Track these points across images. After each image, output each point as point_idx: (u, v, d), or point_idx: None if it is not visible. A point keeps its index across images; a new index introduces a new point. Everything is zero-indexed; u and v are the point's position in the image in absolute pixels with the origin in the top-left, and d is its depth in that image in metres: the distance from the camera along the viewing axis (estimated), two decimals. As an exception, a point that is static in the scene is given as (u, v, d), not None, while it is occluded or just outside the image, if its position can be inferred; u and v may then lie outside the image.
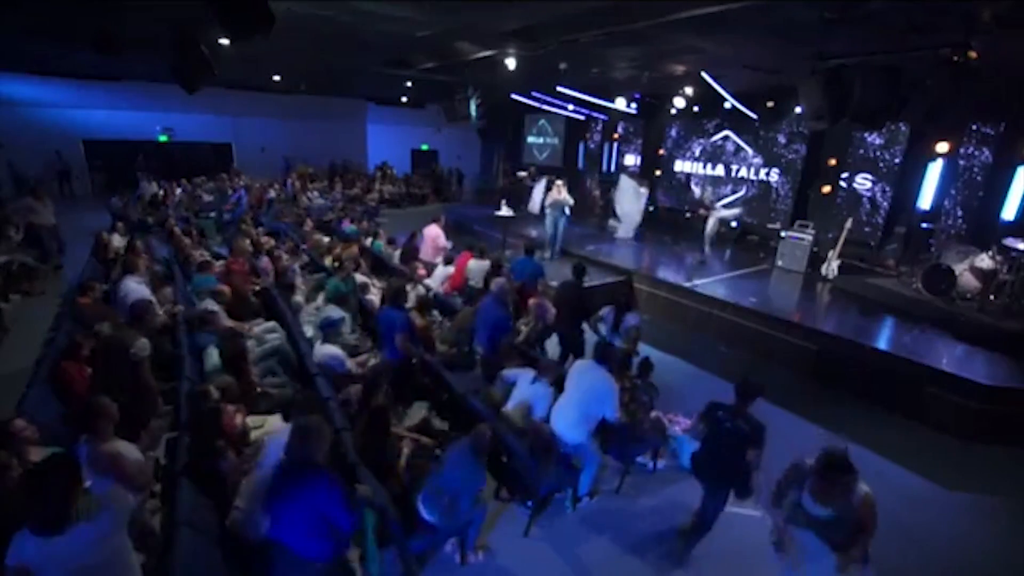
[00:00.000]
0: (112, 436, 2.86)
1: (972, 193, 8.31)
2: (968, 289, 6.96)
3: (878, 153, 9.33)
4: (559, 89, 11.02)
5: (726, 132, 11.67)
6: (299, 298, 6.27)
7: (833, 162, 9.87)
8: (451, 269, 7.35)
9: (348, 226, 10.12)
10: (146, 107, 14.51)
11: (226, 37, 5.11)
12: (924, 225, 8.66)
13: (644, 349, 5.73)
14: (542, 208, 10.08)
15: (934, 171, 8.47)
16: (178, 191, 12.66)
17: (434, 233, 8.43)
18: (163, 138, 15.36)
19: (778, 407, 5.14)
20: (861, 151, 9.51)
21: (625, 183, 11.35)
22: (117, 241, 7.70)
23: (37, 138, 13.14)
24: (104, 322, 4.34)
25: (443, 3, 5.20)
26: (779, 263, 9.30)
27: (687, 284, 8.03)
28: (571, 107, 12.95)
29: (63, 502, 2.02)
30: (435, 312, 6.14)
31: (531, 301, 5.92)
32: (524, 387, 4.08)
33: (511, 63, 7.16)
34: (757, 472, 3.07)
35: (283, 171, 16.12)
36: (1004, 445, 5.12)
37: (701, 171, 12.29)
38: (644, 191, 11.08)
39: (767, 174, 11.07)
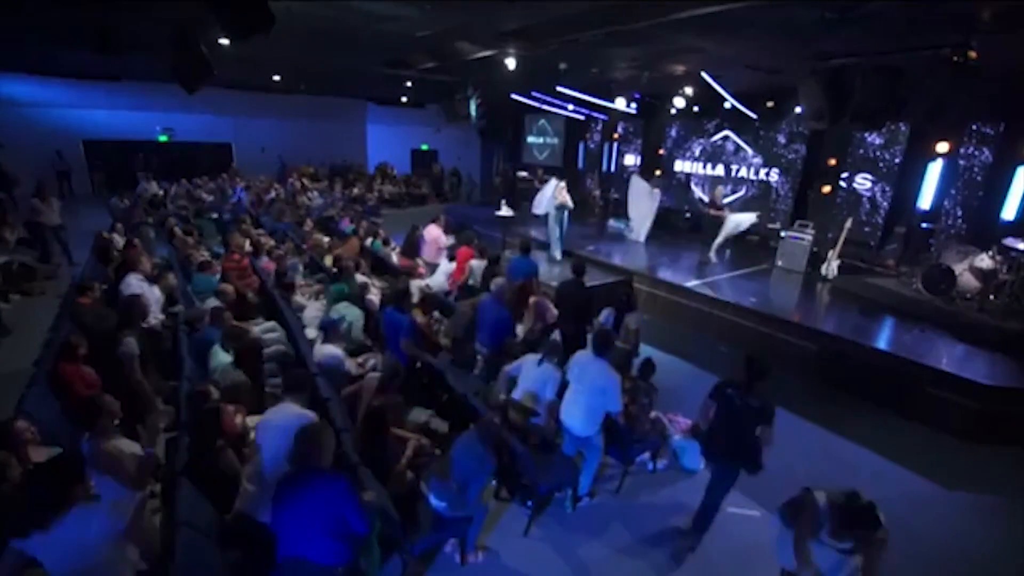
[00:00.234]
0: (114, 434, 2.87)
1: (972, 193, 8.31)
2: (968, 289, 6.95)
3: (878, 153, 9.33)
4: (559, 89, 10.99)
5: (726, 132, 11.67)
6: (299, 298, 6.28)
7: (833, 162, 9.86)
8: (453, 266, 7.38)
9: (348, 226, 10.16)
10: (146, 107, 14.49)
11: (226, 37, 5.11)
12: (924, 225, 8.65)
13: (644, 349, 5.74)
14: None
15: (934, 171, 8.47)
16: (174, 188, 12.67)
17: (435, 234, 8.44)
18: (163, 138, 15.35)
19: (778, 407, 5.08)
20: (861, 151, 9.52)
21: (638, 184, 11.03)
22: (117, 241, 7.69)
23: (37, 138, 13.09)
24: (102, 322, 4.35)
25: (443, 3, 5.20)
26: (779, 263, 9.28)
27: (687, 284, 8.02)
28: (571, 107, 12.91)
29: (64, 497, 2.03)
30: (435, 313, 6.13)
31: (531, 300, 5.91)
32: (531, 370, 4.03)
33: (511, 63, 7.15)
34: (767, 448, 3.10)
35: (279, 171, 16.06)
36: (1004, 445, 5.12)
37: (701, 171, 12.28)
38: (657, 192, 10.83)
39: (767, 174, 11.07)
